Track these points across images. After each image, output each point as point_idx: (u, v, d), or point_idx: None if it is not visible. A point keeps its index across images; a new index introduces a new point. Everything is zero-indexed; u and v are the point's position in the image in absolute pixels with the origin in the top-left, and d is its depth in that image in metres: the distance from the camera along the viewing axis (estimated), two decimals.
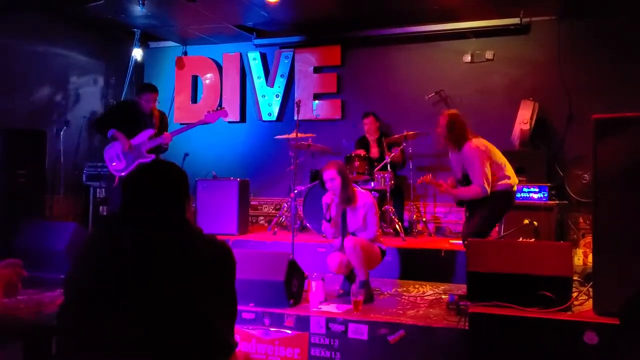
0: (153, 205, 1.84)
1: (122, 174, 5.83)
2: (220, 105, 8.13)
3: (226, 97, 8.33)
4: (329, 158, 6.88)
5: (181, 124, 8.42)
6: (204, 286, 1.73)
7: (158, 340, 1.64)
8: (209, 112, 6.16)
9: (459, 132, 4.55)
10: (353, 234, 4.60)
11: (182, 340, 1.66)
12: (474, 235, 4.37)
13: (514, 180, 4.60)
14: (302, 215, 6.51)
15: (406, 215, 6.94)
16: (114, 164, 5.88)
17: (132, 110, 5.96)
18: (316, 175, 6.95)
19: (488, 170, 4.44)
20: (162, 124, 6.13)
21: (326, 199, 4.59)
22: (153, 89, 6.03)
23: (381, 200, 6.52)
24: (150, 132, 5.88)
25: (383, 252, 4.67)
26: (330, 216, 4.56)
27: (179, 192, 1.90)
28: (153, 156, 5.84)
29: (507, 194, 4.58)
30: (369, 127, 7.11)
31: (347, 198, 4.51)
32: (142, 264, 1.70)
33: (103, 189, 7.03)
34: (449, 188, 4.66)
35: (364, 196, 4.58)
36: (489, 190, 4.41)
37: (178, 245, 1.76)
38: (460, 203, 4.75)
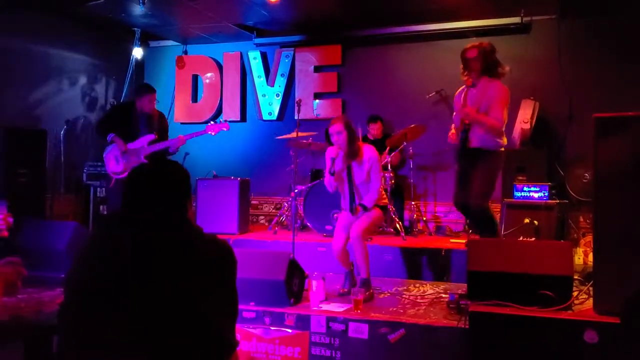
0: (154, 205, 1.84)
1: (120, 176, 5.83)
2: (219, 113, 8.22)
3: (226, 96, 8.33)
4: None
5: (182, 123, 8.45)
6: (204, 286, 1.73)
7: (159, 340, 1.64)
8: (211, 122, 6.15)
9: (496, 61, 4.55)
10: (360, 206, 4.60)
11: (182, 340, 1.66)
12: (481, 195, 4.42)
13: (505, 140, 4.63)
14: (302, 215, 6.51)
15: (406, 214, 6.94)
16: (112, 166, 5.87)
17: (129, 113, 5.93)
18: (317, 175, 6.96)
19: (505, 113, 4.47)
20: (162, 126, 6.12)
21: (331, 152, 4.60)
22: (152, 90, 6.03)
23: None
24: (150, 137, 5.85)
25: (384, 208, 4.73)
26: (335, 170, 4.56)
27: (180, 192, 1.90)
28: None
29: (504, 154, 4.65)
30: (376, 132, 7.09)
31: (353, 152, 4.55)
32: (143, 264, 1.70)
33: (103, 188, 7.03)
34: (473, 111, 4.46)
35: (368, 150, 4.61)
36: (503, 127, 4.44)
37: (178, 244, 1.76)
38: (463, 142, 4.54)
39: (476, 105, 4.49)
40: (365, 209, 4.57)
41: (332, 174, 4.55)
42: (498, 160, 4.60)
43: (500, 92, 4.45)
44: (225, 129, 6.16)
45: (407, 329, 3.77)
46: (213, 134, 6.18)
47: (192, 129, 8.40)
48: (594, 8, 6.57)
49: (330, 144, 4.66)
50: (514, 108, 6.63)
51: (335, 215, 5.03)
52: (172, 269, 1.70)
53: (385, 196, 4.91)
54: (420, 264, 5.56)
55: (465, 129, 4.49)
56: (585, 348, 3.29)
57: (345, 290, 4.63)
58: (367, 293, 4.44)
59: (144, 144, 5.83)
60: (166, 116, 6.51)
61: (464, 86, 4.68)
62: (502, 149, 4.59)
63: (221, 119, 6.18)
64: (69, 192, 7.27)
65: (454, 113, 4.76)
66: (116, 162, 5.84)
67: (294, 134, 6.06)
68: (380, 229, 6.49)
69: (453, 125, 4.73)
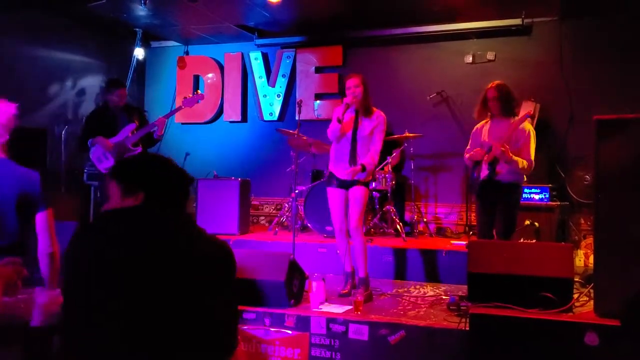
0: (152, 203, 1.82)
1: None
2: (220, 113, 8.28)
3: (228, 96, 8.33)
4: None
5: (182, 123, 8.46)
6: (204, 286, 1.72)
7: (158, 340, 1.64)
8: (185, 97, 6.13)
9: (515, 100, 4.68)
10: (360, 166, 4.59)
11: (182, 340, 1.65)
12: (509, 233, 4.50)
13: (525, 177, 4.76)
14: (303, 215, 6.51)
15: (407, 215, 6.94)
16: (102, 163, 5.82)
17: (105, 114, 5.91)
18: (317, 175, 6.95)
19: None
20: (142, 117, 6.09)
21: (347, 100, 4.67)
22: (120, 84, 6.02)
23: (382, 200, 6.51)
24: (131, 126, 5.82)
25: (367, 184, 4.75)
26: (343, 119, 4.62)
27: (177, 189, 1.89)
28: (140, 149, 5.79)
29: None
30: None
31: (366, 106, 4.66)
32: (143, 263, 1.69)
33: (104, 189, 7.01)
34: (509, 153, 4.51)
35: (379, 111, 4.74)
36: (532, 169, 4.56)
37: (178, 244, 1.75)
38: (490, 175, 4.62)
39: (509, 140, 4.57)
40: (364, 169, 4.59)
41: (340, 121, 4.59)
42: (520, 192, 4.74)
43: (530, 135, 4.56)
44: (200, 100, 6.16)
45: (407, 330, 3.77)
46: (190, 107, 6.16)
47: (193, 129, 8.47)
48: (595, 9, 6.56)
49: (345, 96, 4.74)
50: None
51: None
52: (173, 269, 1.69)
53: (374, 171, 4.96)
54: (420, 265, 5.55)
55: (492, 162, 4.57)
56: (586, 350, 3.29)
57: (346, 291, 4.64)
58: (365, 293, 4.47)
59: (127, 134, 5.79)
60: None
61: (483, 122, 4.80)
62: (522, 182, 4.72)
63: (196, 90, 6.17)
64: (69, 192, 7.26)
65: (469, 145, 4.85)
66: (105, 158, 5.77)
67: (294, 133, 6.05)
68: (381, 230, 6.49)
69: (469, 154, 4.81)
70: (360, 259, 4.62)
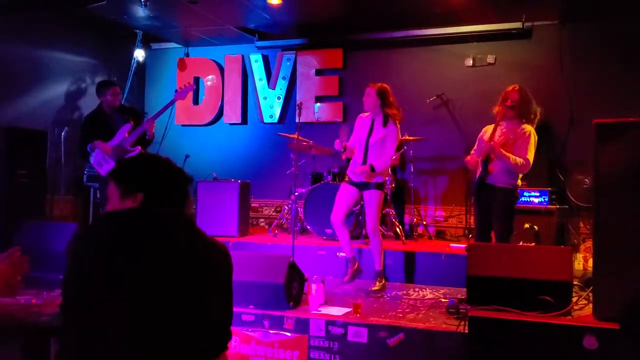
0: (151, 204, 1.82)
1: None
2: (220, 115, 8.30)
3: (228, 98, 8.34)
4: (330, 160, 6.89)
5: (182, 125, 8.46)
6: (202, 286, 1.71)
7: (156, 340, 1.64)
8: (177, 90, 6.13)
9: (530, 107, 4.66)
10: (370, 166, 4.81)
11: (178, 340, 1.65)
12: (506, 231, 4.55)
13: (520, 182, 4.71)
14: (302, 218, 6.51)
15: (407, 218, 6.93)
16: (103, 168, 5.80)
17: (100, 116, 5.88)
18: (317, 178, 6.96)
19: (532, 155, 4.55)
20: (137, 116, 6.08)
21: (361, 118, 5.13)
22: (111, 83, 6.03)
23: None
24: (127, 127, 5.80)
25: (382, 187, 4.96)
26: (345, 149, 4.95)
27: (176, 190, 1.89)
28: (139, 148, 5.77)
29: (517, 189, 4.73)
30: None
31: (383, 116, 4.93)
32: (140, 264, 1.68)
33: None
34: (500, 149, 4.50)
35: (392, 122, 4.96)
36: (527, 169, 4.52)
37: (177, 244, 1.74)
38: (482, 175, 4.60)
39: (510, 141, 4.57)
40: (372, 169, 4.82)
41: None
42: (514, 197, 4.70)
43: (531, 138, 4.53)
44: (192, 90, 6.18)
45: (406, 333, 3.77)
46: (184, 99, 6.18)
47: (193, 131, 8.48)
48: (596, 13, 6.57)
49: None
50: None
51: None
52: (172, 270, 1.69)
53: (386, 173, 5.11)
54: (420, 268, 5.55)
55: (485, 160, 4.57)
56: (585, 354, 3.29)
57: (347, 278, 4.91)
58: (380, 284, 4.89)
59: (124, 134, 5.77)
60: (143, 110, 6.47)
61: (487, 126, 4.77)
62: (517, 186, 4.66)
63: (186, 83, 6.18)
64: (68, 193, 7.27)
65: (475, 147, 4.82)
66: (106, 162, 5.73)
67: (294, 136, 6.05)
68: (381, 232, 6.49)
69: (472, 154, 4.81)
70: (377, 256, 4.96)
